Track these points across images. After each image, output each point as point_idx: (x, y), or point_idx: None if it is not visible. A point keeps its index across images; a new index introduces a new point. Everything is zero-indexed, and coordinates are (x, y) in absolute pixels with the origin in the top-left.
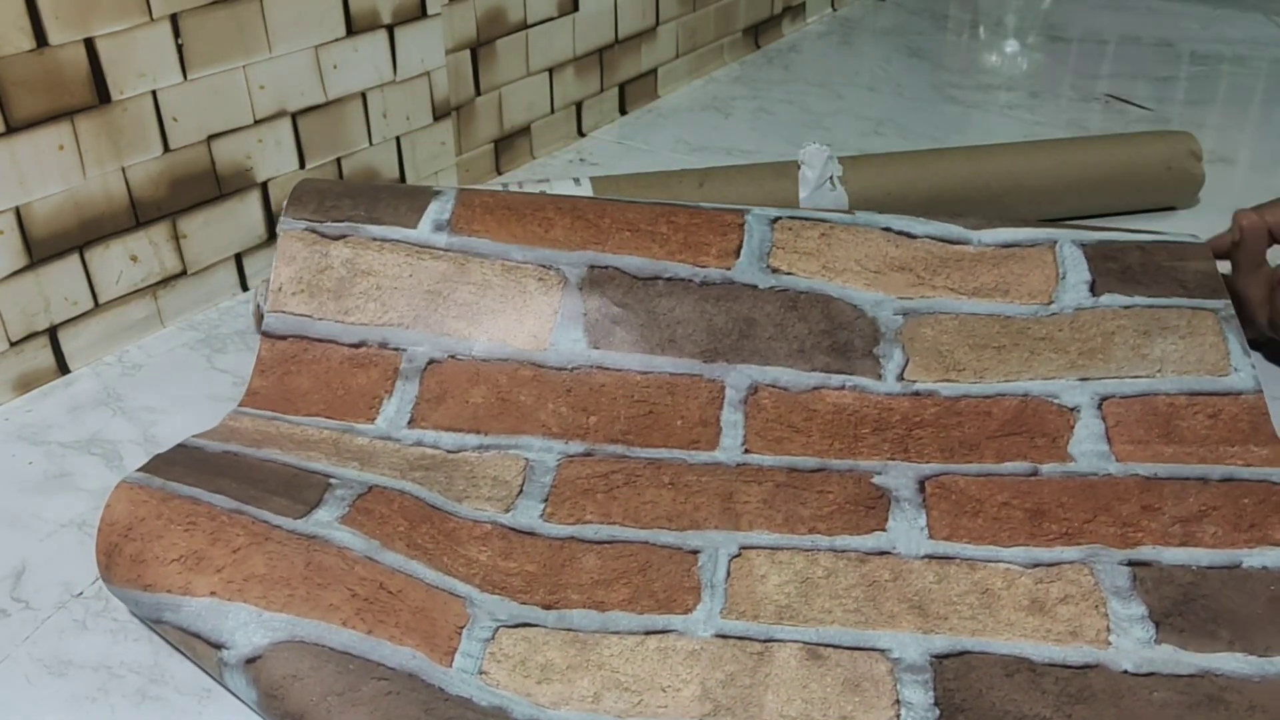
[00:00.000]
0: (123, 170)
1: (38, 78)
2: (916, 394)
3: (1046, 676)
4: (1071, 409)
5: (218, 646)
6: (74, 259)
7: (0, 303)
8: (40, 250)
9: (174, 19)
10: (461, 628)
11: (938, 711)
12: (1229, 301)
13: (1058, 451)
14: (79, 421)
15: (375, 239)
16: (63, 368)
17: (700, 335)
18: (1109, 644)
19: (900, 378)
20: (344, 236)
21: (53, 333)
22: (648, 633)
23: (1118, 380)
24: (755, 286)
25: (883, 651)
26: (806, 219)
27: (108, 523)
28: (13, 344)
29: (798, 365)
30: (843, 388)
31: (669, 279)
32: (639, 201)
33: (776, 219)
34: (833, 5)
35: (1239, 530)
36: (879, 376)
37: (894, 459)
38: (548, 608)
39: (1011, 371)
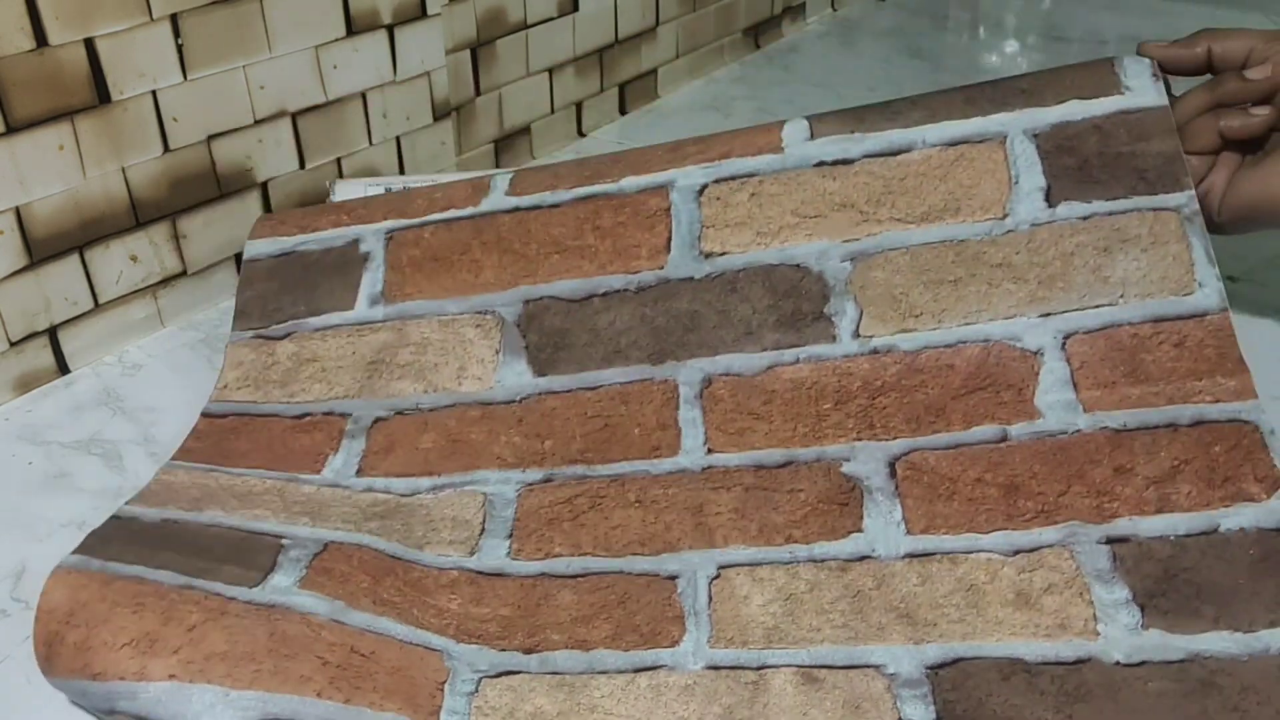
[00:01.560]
0: (122, 170)
1: (38, 78)
2: (875, 351)
3: (1042, 676)
4: (1035, 352)
5: None
6: (74, 259)
7: (0, 303)
8: (40, 250)
9: (174, 19)
10: (442, 683)
11: None
12: (1193, 193)
13: (1025, 406)
14: (79, 422)
15: (318, 329)
16: (63, 368)
17: (645, 340)
18: (1098, 634)
19: (856, 334)
20: (289, 334)
21: (53, 333)
22: (637, 670)
23: (1080, 312)
24: (691, 278)
25: (877, 668)
26: (733, 178)
27: (45, 611)
28: (13, 344)
29: (748, 348)
30: (797, 361)
31: (604, 294)
32: (561, 204)
33: (703, 189)
34: (833, 5)
35: (1213, 487)
36: (833, 338)
37: (860, 438)
38: (529, 652)
39: (971, 310)
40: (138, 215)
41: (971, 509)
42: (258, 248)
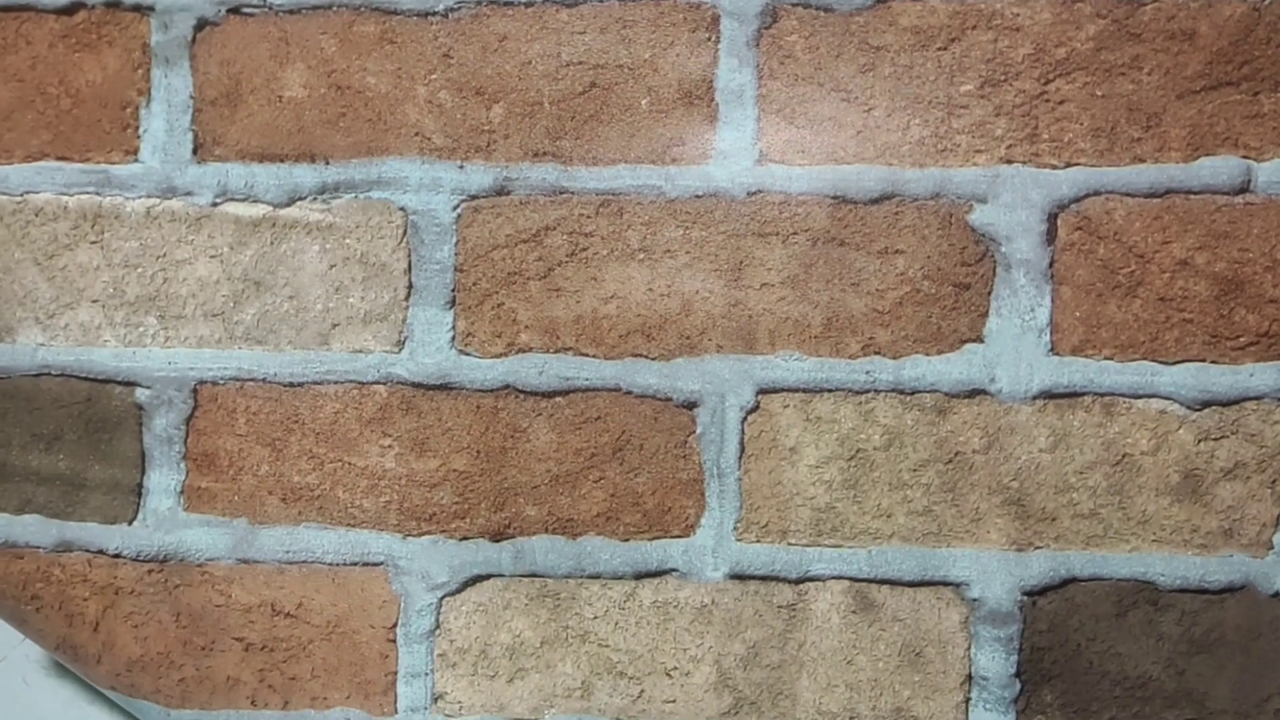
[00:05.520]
0: None
1: None
2: None
3: (1170, 611)
4: None
5: None
6: None
7: None
8: None
9: None
10: (393, 627)
11: (1018, 685)
12: None
13: None
14: None
15: None
16: None
17: None
18: (1270, 547)
19: None
20: None
21: None
22: (638, 575)
23: None
24: None
25: (957, 587)
26: None
27: None
28: None
29: None
30: None
31: None
32: None
33: None
34: None
35: None
36: None
37: (1009, 157)
38: (498, 537)
39: None
40: None
41: (1160, 314)
42: None
